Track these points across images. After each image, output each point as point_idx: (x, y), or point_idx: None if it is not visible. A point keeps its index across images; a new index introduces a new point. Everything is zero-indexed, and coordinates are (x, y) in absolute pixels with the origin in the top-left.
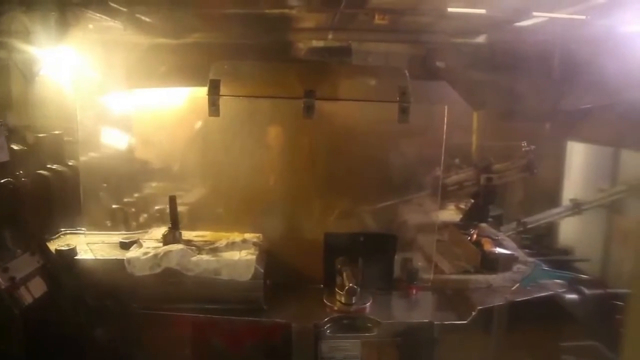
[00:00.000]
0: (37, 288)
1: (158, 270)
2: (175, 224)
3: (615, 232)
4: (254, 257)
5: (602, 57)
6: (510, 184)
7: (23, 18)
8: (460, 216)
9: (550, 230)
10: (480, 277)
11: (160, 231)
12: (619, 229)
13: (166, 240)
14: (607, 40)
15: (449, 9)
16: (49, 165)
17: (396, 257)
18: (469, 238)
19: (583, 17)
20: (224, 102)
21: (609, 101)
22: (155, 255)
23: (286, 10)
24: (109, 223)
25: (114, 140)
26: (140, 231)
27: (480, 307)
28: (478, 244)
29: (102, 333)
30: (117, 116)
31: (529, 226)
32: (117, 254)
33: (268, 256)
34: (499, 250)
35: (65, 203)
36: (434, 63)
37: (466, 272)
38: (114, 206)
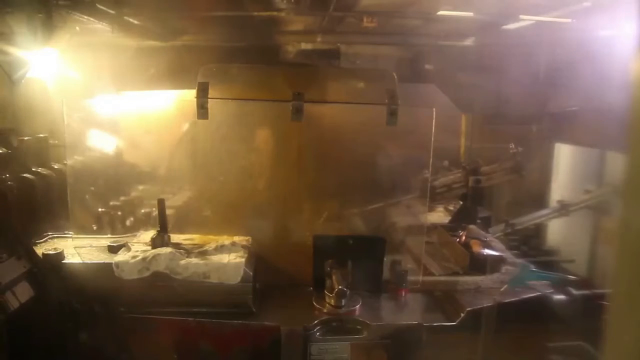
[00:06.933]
0: (24, 293)
1: (146, 273)
2: (163, 227)
3: (601, 232)
4: (243, 260)
5: (587, 60)
6: (498, 185)
7: (8, 19)
8: (449, 218)
9: (538, 231)
10: (468, 279)
11: (148, 234)
12: (605, 230)
13: (155, 243)
14: (592, 43)
15: (438, 12)
16: (34, 169)
17: (385, 259)
18: (457, 240)
19: (569, 20)
20: (212, 105)
21: (594, 103)
22: (144, 259)
23: (275, 13)
24: (96, 226)
25: (101, 144)
26: (128, 234)
27: (469, 309)
28: (467, 245)
29: (89, 338)
30: (104, 119)
31: (517, 228)
32: (105, 258)
33: (257, 259)
34: (487, 251)
35: (52, 206)
36: (422, 65)
37: (455, 273)
38: (101, 209)
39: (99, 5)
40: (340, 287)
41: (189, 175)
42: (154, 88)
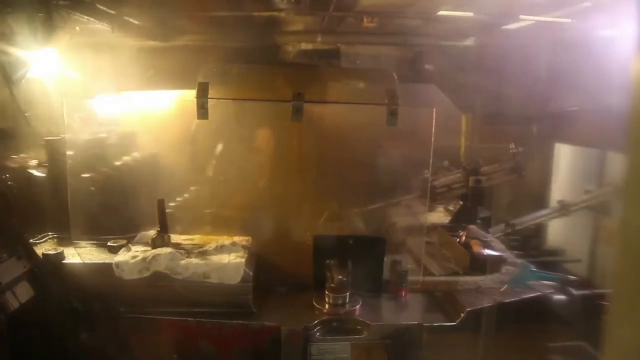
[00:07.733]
0: (24, 293)
1: (147, 274)
2: (163, 227)
3: (601, 232)
4: (243, 260)
5: (587, 60)
6: (499, 186)
7: (8, 19)
8: (449, 218)
9: (538, 231)
10: (469, 279)
11: (148, 235)
12: (606, 230)
13: (155, 243)
14: (592, 43)
15: (438, 12)
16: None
17: (385, 259)
18: (457, 240)
19: (569, 20)
20: (212, 105)
21: (594, 103)
22: (144, 259)
23: (275, 13)
24: (96, 227)
25: (101, 144)
26: (128, 235)
27: (469, 309)
28: (467, 245)
29: (89, 337)
30: (104, 119)
31: (517, 228)
32: (105, 258)
33: (257, 259)
34: (487, 251)
35: (53, 206)
36: (422, 65)
37: (455, 273)
38: (101, 210)
39: (99, 5)
40: (340, 276)
41: (189, 175)
42: (154, 88)
